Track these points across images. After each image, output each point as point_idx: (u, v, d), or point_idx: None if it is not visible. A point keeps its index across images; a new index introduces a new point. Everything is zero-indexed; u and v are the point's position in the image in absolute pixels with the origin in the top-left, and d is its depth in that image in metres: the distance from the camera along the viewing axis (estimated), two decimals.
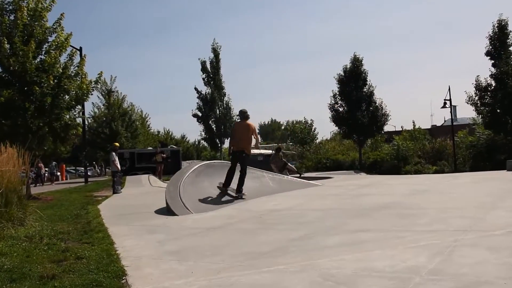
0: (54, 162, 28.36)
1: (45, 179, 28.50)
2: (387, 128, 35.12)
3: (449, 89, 27.60)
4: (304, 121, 45.84)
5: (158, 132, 59.09)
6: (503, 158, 21.43)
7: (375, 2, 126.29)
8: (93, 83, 14.28)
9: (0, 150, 7.42)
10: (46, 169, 29.55)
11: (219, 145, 36.43)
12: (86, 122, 29.74)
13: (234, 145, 9.09)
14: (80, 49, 19.62)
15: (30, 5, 12.89)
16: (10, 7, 12.77)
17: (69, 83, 13.34)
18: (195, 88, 34.57)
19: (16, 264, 4.42)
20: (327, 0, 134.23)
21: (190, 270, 4.03)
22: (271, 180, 10.44)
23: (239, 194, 8.80)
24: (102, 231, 6.32)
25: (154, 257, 4.68)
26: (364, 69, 31.14)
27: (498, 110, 24.36)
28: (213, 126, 35.02)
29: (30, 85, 12.48)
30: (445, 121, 50.60)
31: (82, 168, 33.27)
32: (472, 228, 4.88)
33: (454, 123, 28.63)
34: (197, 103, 34.73)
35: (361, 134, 31.03)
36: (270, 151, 30.10)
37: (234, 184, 8.96)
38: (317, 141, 44.00)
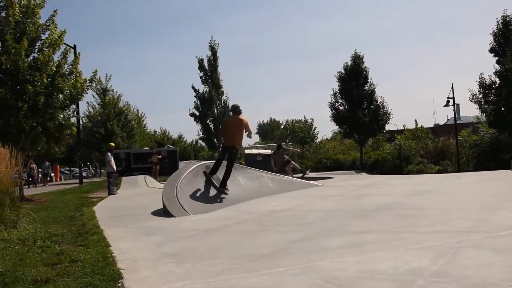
0: (47, 163, 28.29)
1: (39, 180, 28.46)
2: (388, 127, 35.10)
3: (452, 87, 27.64)
4: (304, 120, 45.87)
5: (155, 132, 59.09)
6: (507, 157, 21.47)
7: (376, 1, 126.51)
8: (87, 81, 14.27)
9: None
10: (39, 169, 29.50)
11: (217, 145, 36.38)
12: (81, 122, 29.62)
13: (227, 140, 9.25)
14: (74, 47, 19.63)
15: (22, 1, 12.86)
16: (2, 4, 12.76)
17: (63, 82, 13.32)
18: (193, 87, 34.54)
19: (8, 268, 4.41)
20: None
21: (188, 273, 4.02)
22: (270, 180, 10.44)
23: (222, 189, 8.97)
24: (97, 233, 6.31)
25: (151, 260, 4.67)
26: (365, 67, 31.13)
27: (502, 108, 24.35)
28: (211, 126, 34.97)
29: (22, 84, 12.45)
30: (448, 119, 50.66)
31: (77, 169, 33.26)
32: (476, 229, 4.89)
33: (458, 122, 28.67)
34: (195, 102, 34.68)
35: (362, 133, 31.03)
36: (270, 151, 30.12)
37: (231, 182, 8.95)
38: (317, 140, 44.03)
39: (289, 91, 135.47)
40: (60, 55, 13.62)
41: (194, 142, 70.74)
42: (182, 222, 7.09)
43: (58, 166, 37.80)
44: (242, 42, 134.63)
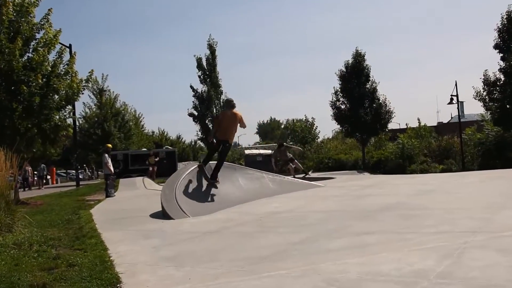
0: (42, 165, 28.29)
1: (34, 182, 28.46)
2: (391, 125, 35.13)
3: (456, 84, 27.64)
4: (305, 119, 45.92)
5: (153, 132, 59.11)
6: None
7: None
8: (83, 82, 14.25)
9: None
10: (35, 172, 29.48)
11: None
12: (77, 123, 29.76)
13: (221, 134, 9.42)
14: (70, 47, 19.65)
15: (16, 0, 12.85)
16: None
17: (58, 82, 13.31)
18: (191, 86, 34.49)
19: (4, 273, 4.41)
20: None
21: (188, 276, 4.03)
22: (271, 181, 10.44)
23: (212, 181, 9.20)
24: (95, 237, 6.31)
25: (150, 263, 4.67)
26: (366, 65, 31.14)
27: (507, 106, 24.33)
28: (209, 126, 34.95)
29: (17, 84, 12.43)
30: (452, 117, 50.68)
31: (73, 171, 33.25)
32: (481, 230, 4.89)
33: (462, 120, 28.66)
34: (193, 101, 34.61)
35: (364, 132, 31.03)
36: (270, 151, 30.11)
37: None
38: (319, 140, 44.06)
39: (289, 90, 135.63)
40: (55, 55, 13.61)
41: (193, 143, 70.67)
42: (181, 224, 7.10)
43: (54, 168, 37.83)
44: (241, 40, 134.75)
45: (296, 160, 16.67)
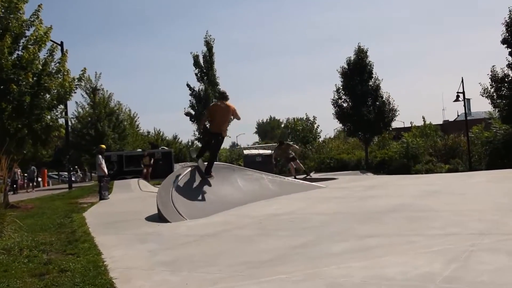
0: (32, 167, 28.27)
1: (25, 185, 28.43)
2: (395, 124, 35.16)
3: (462, 80, 27.62)
4: (306, 118, 45.90)
5: (148, 132, 58.97)
6: None
7: None
8: (76, 80, 14.25)
9: None
10: (25, 174, 29.44)
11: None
12: (70, 123, 29.68)
13: (214, 127, 9.56)
14: (61, 44, 19.57)
15: None
16: None
17: (49, 81, 13.30)
18: (187, 85, 34.49)
19: None
20: None
21: (185, 282, 4.02)
22: (271, 182, 10.43)
23: (207, 176, 9.32)
24: (88, 241, 6.30)
25: (145, 268, 4.66)
26: (369, 61, 31.17)
27: None
28: (207, 125, 34.93)
29: (6, 83, 12.42)
30: (458, 115, 50.75)
31: (66, 173, 33.22)
32: (490, 232, 4.88)
33: (468, 118, 28.66)
34: (190, 100, 34.62)
35: (367, 131, 31.05)
36: (270, 151, 30.13)
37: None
38: (320, 139, 44.05)
39: (289, 88, 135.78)
40: (46, 53, 13.60)
41: (190, 143, 70.60)
42: (178, 227, 7.09)
43: (46, 170, 37.82)
44: (239, 38, 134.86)
45: (297, 160, 16.66)
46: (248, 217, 7.40)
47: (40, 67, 13.22)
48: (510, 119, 24.59)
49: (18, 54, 13.07)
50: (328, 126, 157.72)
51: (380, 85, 31.26)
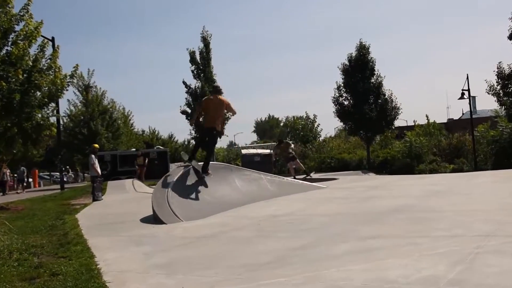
0: (22, 168, 28.18)
1: (15, 186, 28.37)
2: (397, 123, 35.21)
3: (467, 78, 27.66)
4: (306, 117, 45.93)
5: (143, 131, 58.94)
6: None
7: None
8: (68, 77, 14.22)
9: None
10: (14, 175, 29.36)
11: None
12: (61, 122, 29.58)
13: (208, 122, 9.63)
14: (53, 40, 19.59)
15: None
16: None
17: (40, 78, 13.26)
18: (183, 82, 34.39)
19: None
20: None
21: (180, 285, 4.02)
22: (269, 182, 10.44)
23: (205, 174, 9.39)
24: (80, 244, 6.29)
25: (140, 271, 4.66)
26: (371, 58, 31.15)
27: None
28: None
29: None
30: (463, 114, 50.80)
31: (58, 174, 33.16)
32: (496, 233, 4.89)
33: (474, 116, 28.71)
34: (186, 98, 34.51)
35: (369, 130, 31.07)
36: (269, 151, 30.15)
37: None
38: (320, 138, 44.10)
39: (289, 85, 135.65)
40: (37, 49, 13.55)
41: (186, 142, 70.57)
42: (173, 229, 7.09)
43: (37, 170, 37.73)
44: (237, 33, 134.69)
45: (297, 160, 16.67)
46: (246, 218, 7.41)
47: (31, 64, 13.17)
48: None
49: (7, 49, 13.01)
50: (329, 125, 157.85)
51: (382, 82, 31.28)
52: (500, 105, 26.73)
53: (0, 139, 12.80)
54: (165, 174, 10.24)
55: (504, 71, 25.01)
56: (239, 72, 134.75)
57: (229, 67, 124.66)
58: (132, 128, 48.41)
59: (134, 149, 35.05)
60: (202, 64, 34.20)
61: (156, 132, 61.58)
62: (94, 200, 13.65)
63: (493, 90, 25.28)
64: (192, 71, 34.33)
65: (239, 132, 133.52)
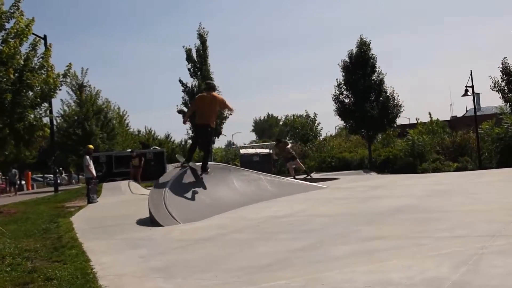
0: (14, 170, 28.14)
1: (7, 189, 28.35)
2: (400, 121, 35.13)
3: (471, 74, 27.63)
4: (306, 115, 45.93)
5: (139, 131, 58.92)
6: None
7: None
8: (61, 76, 14.19)
9: None
10: (6, 177, 29.35)
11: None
12: (55, 122, 29.57)
13: (201, 119, 9.69)
14: (45, 38, 19.56)
15: None
16: None
17: (32, 77, 13.23)
18: (180, 81, 34.36)
19: None
20: None
21: None
22: (269, 183, 10.45)
23: (204, 172, 9.52)
24: (75, 247, 6.29)
25: (137, 275, 4.67)
26: (372, 54, 31.08)
27: None
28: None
29: None
30: (467, 111, 50.86)
31: (51, 175, 33.13)
32: (501, 233, 4.90)
33: (478, 113, 28.71)
34: (182, 97, 34.46)
35: (370, 129, 31.04)
36: (268, 151, 30.15)
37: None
38: (321, 137, 44.09)
39: (288, 83, 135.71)
40: (29, 47, 13.51)
41: (183, 142, 70.58)
42: (171, 232, 7.09)
43: (30, 172, 37.72)
44: (235, 30, 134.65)
45: (297, 159, 16.68)
46: (245, 220, 7.42)
47: (22, 63, 13.14)
48: None
49: None
50: (329, 123, 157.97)
51: (384, 79, 31.24)
52: (505, 102, 26.74)
53: None
54: (162, 175, 10.24)
55: (509, 67, 25.01)
56: (238, 71, 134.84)
57: (228, 66, 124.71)
58: (128, 128, 48.37)
59: (129, 150, 35.08)
60: (198, 62, 34.18)
61: (152, 132, 61.57)
62: (89, 202, 13.65)
63: (497, 87, 25.29)
64: (189, 69, 34.31)
65: (237, 131, 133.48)
